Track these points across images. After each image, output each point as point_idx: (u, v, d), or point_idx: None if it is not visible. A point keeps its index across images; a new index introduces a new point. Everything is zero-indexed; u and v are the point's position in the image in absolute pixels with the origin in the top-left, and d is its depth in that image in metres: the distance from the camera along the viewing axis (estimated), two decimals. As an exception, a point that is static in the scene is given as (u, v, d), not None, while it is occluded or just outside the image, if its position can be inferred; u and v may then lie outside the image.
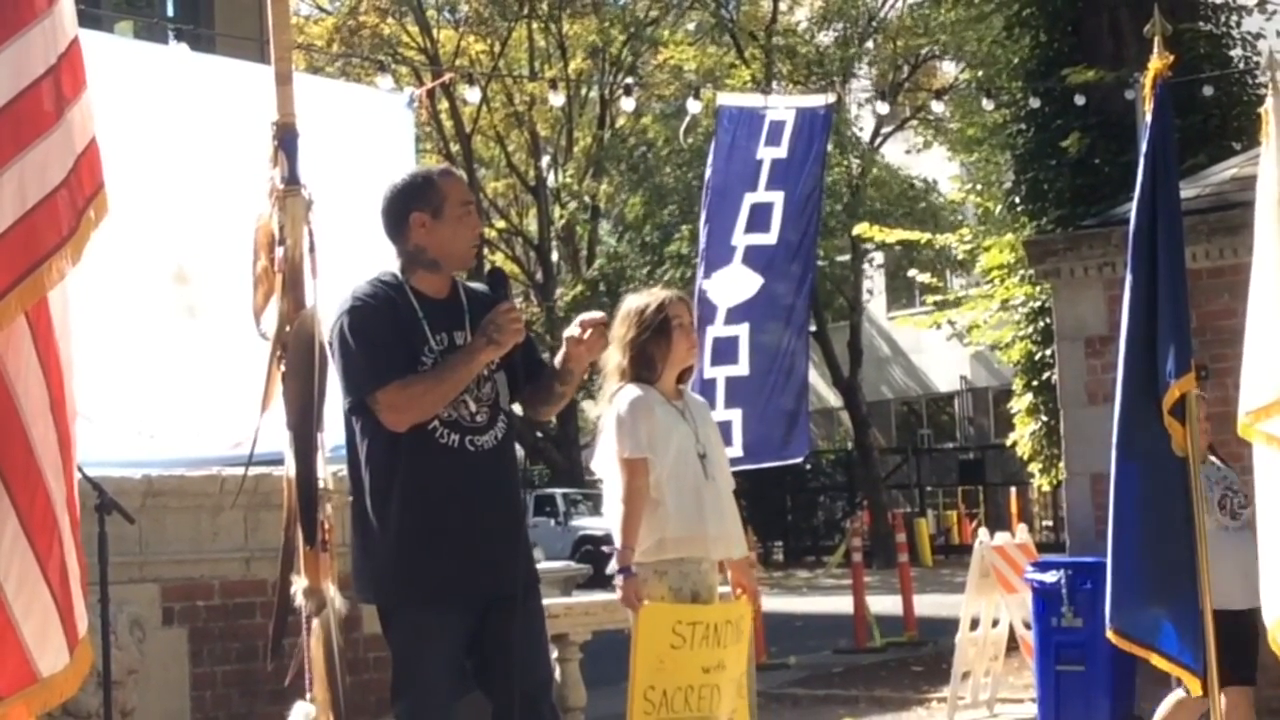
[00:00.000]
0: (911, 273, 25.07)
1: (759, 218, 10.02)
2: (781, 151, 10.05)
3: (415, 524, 4.90)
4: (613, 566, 6.13)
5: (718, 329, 9.84)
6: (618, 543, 6.06)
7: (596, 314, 5.20)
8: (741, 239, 9.95)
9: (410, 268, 5.05)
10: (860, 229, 22.19)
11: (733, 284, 9.86)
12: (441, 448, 4.92)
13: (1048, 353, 15.00)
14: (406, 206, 5.02)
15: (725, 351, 9.87)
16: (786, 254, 10.11)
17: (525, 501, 5.44)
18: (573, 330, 5.08)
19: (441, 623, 4.92)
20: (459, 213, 5.03)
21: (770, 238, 10.03)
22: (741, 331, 9.89)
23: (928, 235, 21.70)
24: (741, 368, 9.88)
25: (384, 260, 5.14)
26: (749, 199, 9.97)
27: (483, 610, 4.95)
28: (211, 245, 8.31)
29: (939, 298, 21.65)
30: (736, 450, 9.87)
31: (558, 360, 5.14)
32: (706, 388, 9.89)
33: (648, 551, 5.99)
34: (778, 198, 10.06)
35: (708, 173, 10.05)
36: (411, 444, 4.90)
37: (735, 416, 9.84)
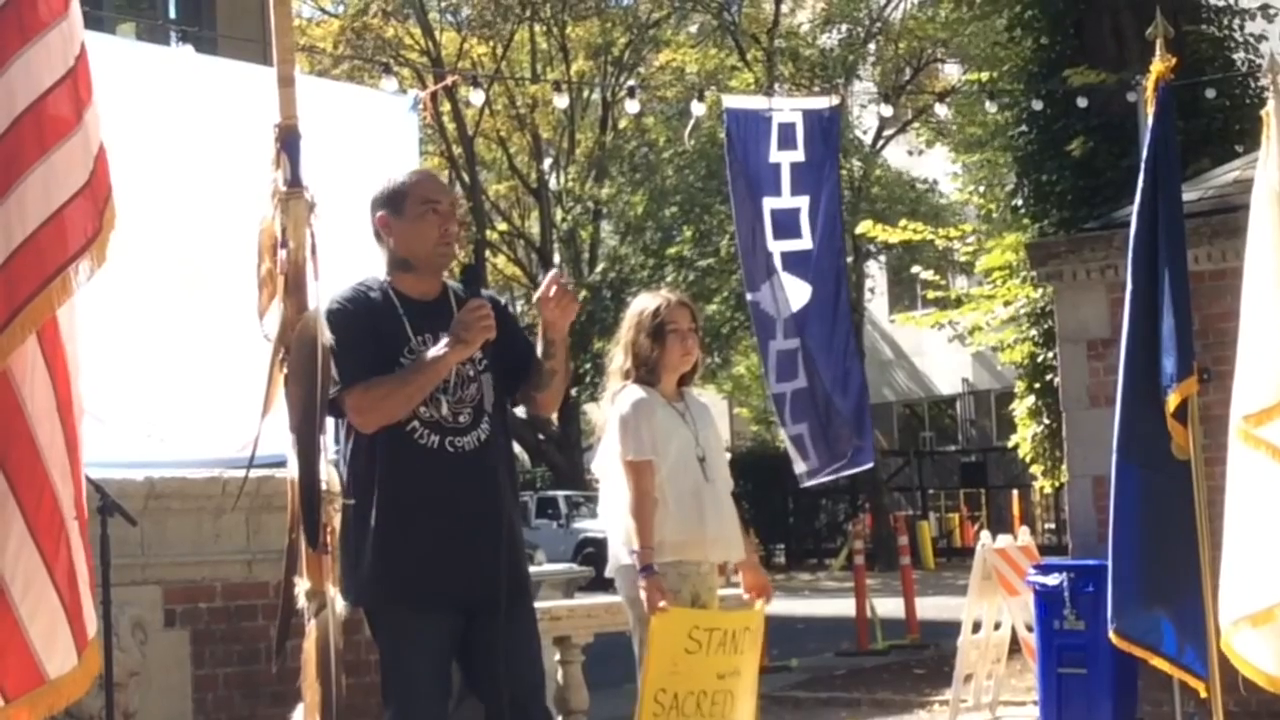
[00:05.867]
0: (915, 269, 25.08)
1: (785, 223, 10.03)
2: (799, 155, 10.06)
3: (393, 525, 4.91)
4: (611, 568, 6.13)
5: (779, 344, 9.86)
6: (619, 544, 6.07)
7: (556, 272, 5.21)
8: (775, 245, 9.95)
9: (392, 271, 5.08)
10: (864, 227, 22.24)
11: (783, 294, 9.88)
12: (420, 448, 4.92)
13: (1050, 355, 14.99)
14: (375, 210, 5.08)
15: (786, 366, 9.90)
16: (823, 254, 10.12)
17: (521, 504, 5.39)
18: (541, 290, 5.05)
19: (424, 625, 4.92)
20: (418, 211, 5.02)
21: (804, 242, 10.05)
22: (796, 344, 9.92)
23: (929, 232, 21.71)
24: (801, 380, 9.91)
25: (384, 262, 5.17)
26: (769, 204, 9.98)
27: (469, 614, 4.94)
28: (218, 247, 8.31)
29: (940, 294, 21.66)
30: (814, 462, 9.93)
31: (539, 336, 5.11)
32: (777, 402, 9.96)
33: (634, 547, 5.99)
34: (803, 202, 10.07)
35: (729, 183, 10.09)
36: (389, 444, 4.91)
37: (803, 430, 9.88)
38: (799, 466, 10.02)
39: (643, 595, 5.87)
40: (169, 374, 8.36)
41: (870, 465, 11.17)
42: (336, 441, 5.05)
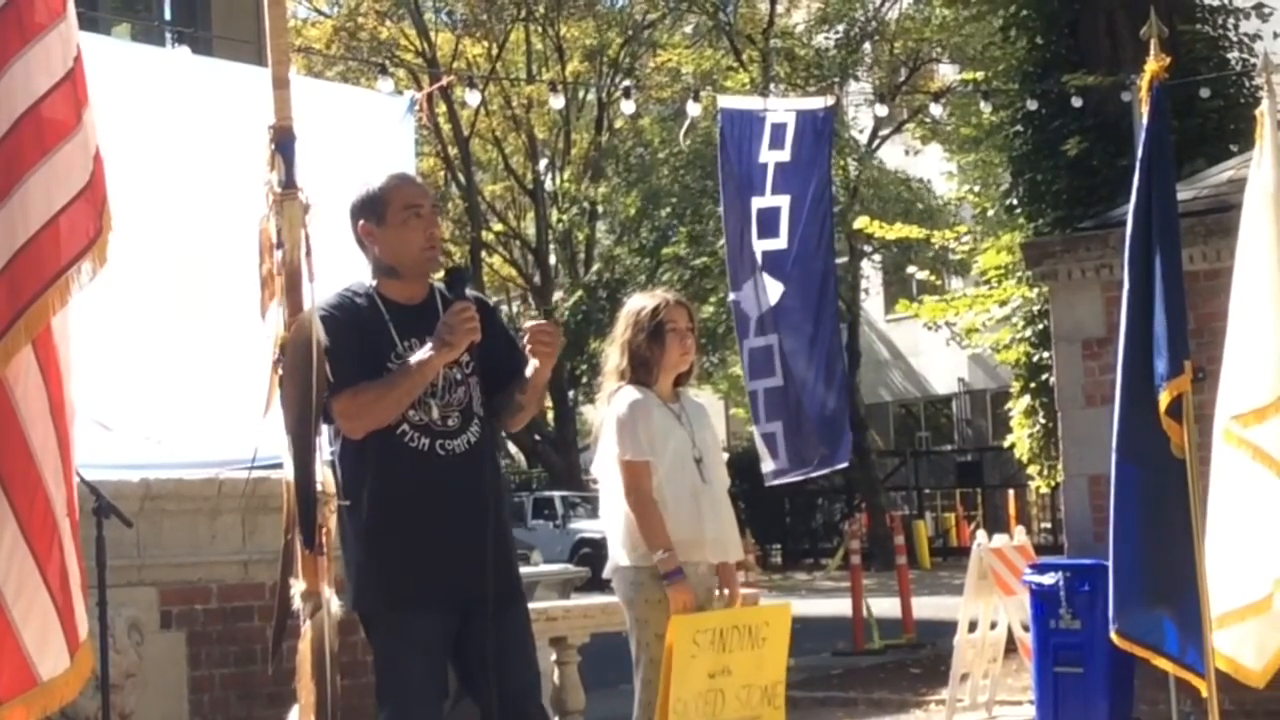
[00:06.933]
0: (910, 269, 25.11)
1: (767, 222, 10.05)
2: (785, 155, 10.07)
3: (383, 527, 4.91)
4: (609, 569, 6.13)
5: (752, 341, 9.87)
6: (617, 545, 6.06)
7: (542, 322, 5.19)
8: (758, 245, 9.97)
9: (377, 276, 5.06)
10: (861, 223, 22.24)
11: (760, 293, 9.90)
12: (410, 451, 4.92)
13: (1045, 355, 15.01)
14: (356, 219, 5.05)
15: (761, 364, 9.91)
16: (805, 254, 10.14)
17: (516, 504, 5.37)
18: (526, 333, 5.05)
19: (417, 627, 4.91)
20: (402, 217, 4.99)
21: (781, 242, 10.06)
22: (773, 341, 9.93)
23: (926, 232, 21.72)
24: (777, 379, 9.91)
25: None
26: (755, 203, 10.00)
27: (462, 614, 4.94)
28: (215, 248, 8.29)
29: (937, 298, 21.67)
30: (782, 462, 9.93)
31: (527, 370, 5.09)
32: (751, 399, 9.99)
33: (645, 555, 5.98)
34: (784, 201, 10.08)
35: (720, 184, 10.11)
36: (380, 447, 4.90)
37: (776, 429, 9.89)
38: (767, 465, 10.02)
39: (671, 601, 5.85)
40: (166, 377, 8.34)
41: (845, 464, 11.15)
42: (331, 443, 5.04)
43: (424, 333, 4.94)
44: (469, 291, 5.06)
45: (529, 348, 4.97)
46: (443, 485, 4.92)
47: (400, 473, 4.91)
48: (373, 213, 5.02)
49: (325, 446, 4.22)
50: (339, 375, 4.73)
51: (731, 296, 10.02)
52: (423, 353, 4.88)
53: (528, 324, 5.10)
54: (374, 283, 5.06)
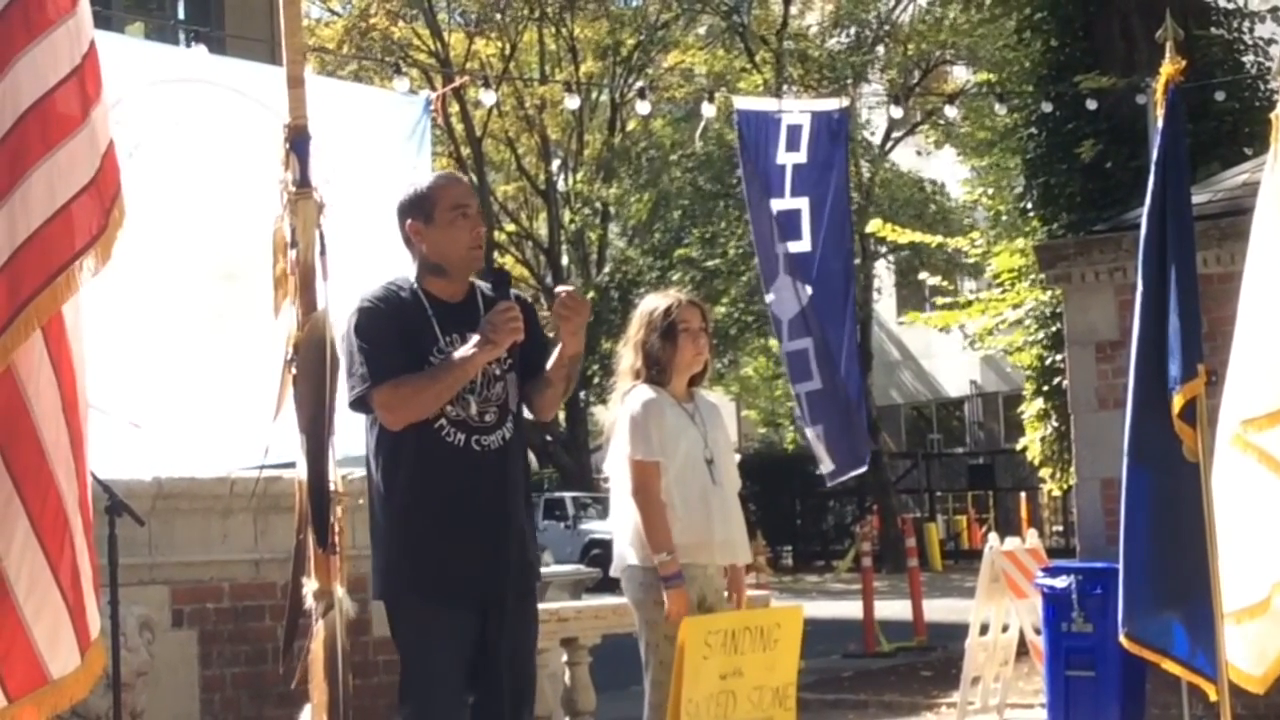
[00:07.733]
0: (922, 275, 25.10)
1: (789, 224, 10.06)
2: (801, 157, 10.09)
3: (418, 520, 4.94)
4: (616, 568, 6.13)
5: (787, 345, 9.92)
6: (625, 544, 6.05)
7: (570, 289, 5.21)
8: (780, 247, 9.99)
9: (422, 274, 5.11)
10: (874, 226, 22.18)
11: (787, 296, 9.92)
12: (447, 445, 4.95)
13: (1058, 358, 14.98)
14: (404, 217, 5.10)
15: (799, 367, 9.95)
16: (828, 256, 10.17)
17: (533, 503, 5.43)
18: (557, 304, 5.08)
19: (446, 621, 4.93)
20: (449, 217, 5.05)
21: (804, 244, 10.08)
22: (807, 345, 9.97)
23: (940, 238, 21.68)
24: (816, 382, 9.96)
25: (399, 262, 5.21)
26: (775, 205, 10.02)
27: (483, 611, 4.95)
28: (238, 247, 8.28)
29: (949, 300, 21.66)
30: (828, 464, 10.00)
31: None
32: (797, 403, 10.08)
33: (652, 556, 5.97)
34: (803, 203, 10.09)
35: (744, 186, 10.15)
36: (417, 441, 4.94)
37: (819, 431, 9.94)
38: (824, 466, 10.10)
39: (666, 605, 5.84)
40: (191, 376, 8.32)
41: (864, 468, 11.21)
42: (367, 435, 5.05)
43: (465, 329, 4.98)
44: (512, 292, 5.10)
45: (554, 313, 5.01)
46: (477, 481, 4.96)
47: (436, 466, 4.95)
48: (420, 212, 5.06)
49: (337, 446, 4.22)
50: (381, 367, 4.82)
51: (767, 299, 10.06)
52: (466, 349, 4.92)
53: (559, 289, 5.14)
54: (418, 279, 5.10)
